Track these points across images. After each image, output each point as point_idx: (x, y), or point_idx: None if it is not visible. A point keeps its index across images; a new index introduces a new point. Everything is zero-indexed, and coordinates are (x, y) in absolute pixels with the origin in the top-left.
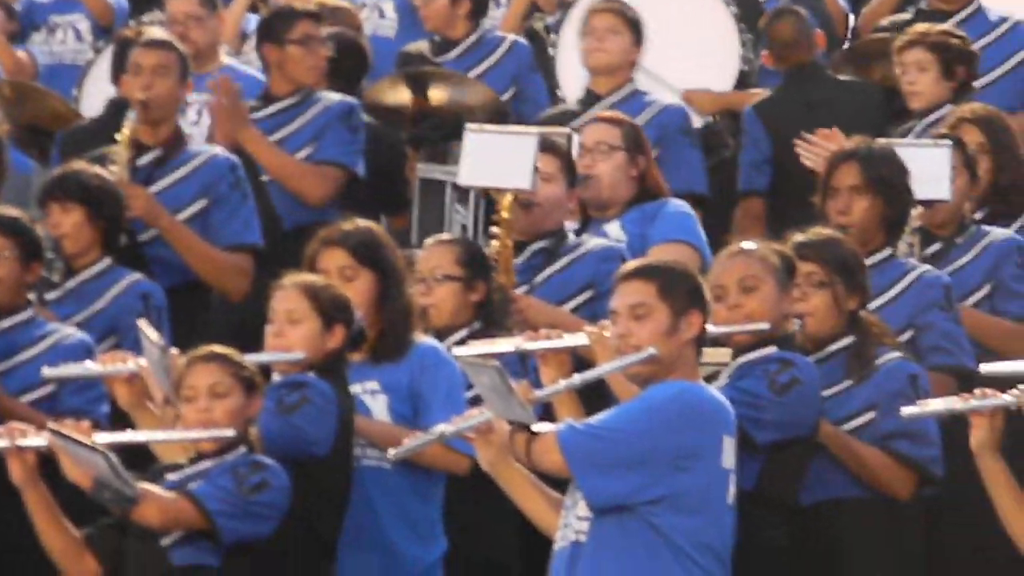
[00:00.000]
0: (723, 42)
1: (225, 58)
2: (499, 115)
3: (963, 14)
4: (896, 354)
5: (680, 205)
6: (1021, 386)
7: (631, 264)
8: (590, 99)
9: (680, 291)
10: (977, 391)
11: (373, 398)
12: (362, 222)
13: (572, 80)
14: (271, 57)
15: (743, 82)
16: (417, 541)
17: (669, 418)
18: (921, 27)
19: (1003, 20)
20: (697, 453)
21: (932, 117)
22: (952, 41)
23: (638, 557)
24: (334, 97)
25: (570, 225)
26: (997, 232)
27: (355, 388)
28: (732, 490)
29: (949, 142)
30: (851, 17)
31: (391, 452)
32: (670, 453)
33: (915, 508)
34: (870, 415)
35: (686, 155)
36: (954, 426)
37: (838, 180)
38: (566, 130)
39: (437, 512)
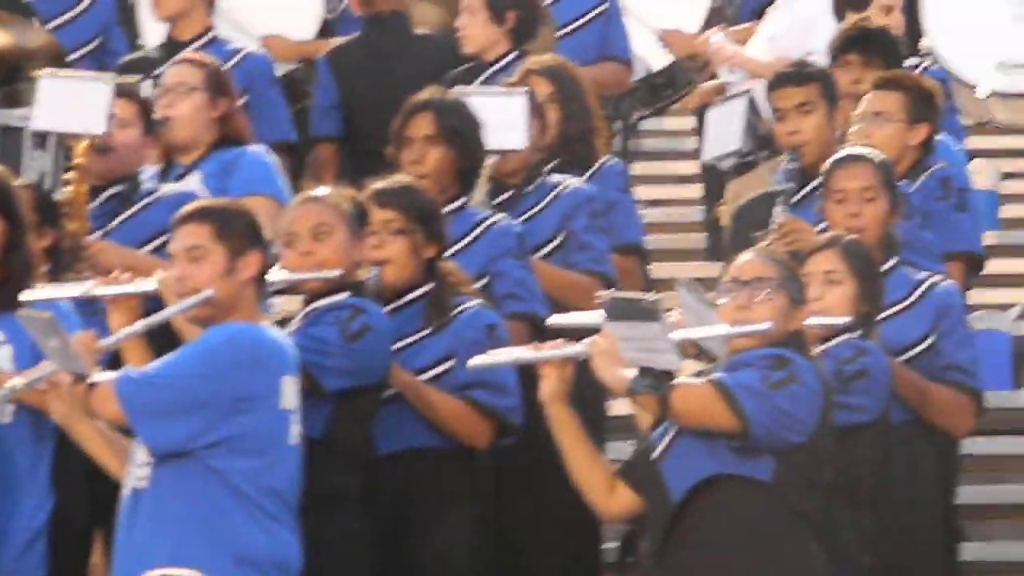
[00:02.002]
0: None
1: None
2: (59, 60)
3: None
4: (474, 303)
5: (258, 154)
6: (593, 337)
7: (187, 207)
8: (171, 46)
9: (236, 232)
10: (548, 342)
11: None
12: None
13: (153, 27)
14: None
15: (327, 30)
16: (28, 502)
17: (224, 361)
18: None
19: None
20: (254, 395)
21: (499, 65)
22: None
23: (198, 501)
24: None
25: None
26: (568, 182)
27: None
28: (295, 431)
29: (524, 91)
30: None
31: None
32: (226, 396)
33: (490, 458)
34: (448, 364)
35: (273, 103)
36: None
37: (412, 130)
38: (138, 77)
39: (47, 472)
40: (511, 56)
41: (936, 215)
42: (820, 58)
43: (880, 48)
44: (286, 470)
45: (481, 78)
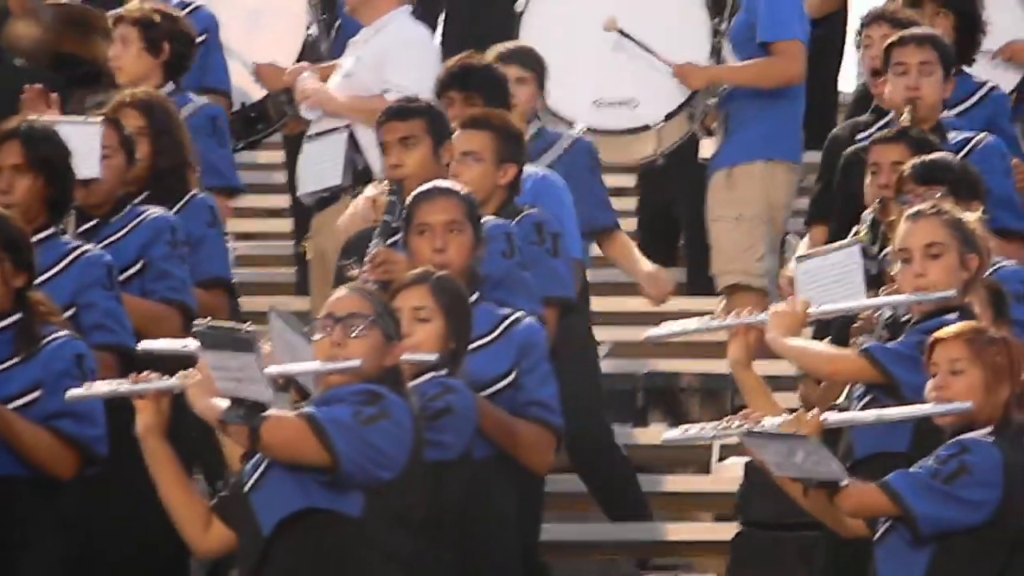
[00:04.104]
0: None
1: None
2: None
3: None
4: (63, 333)
5: None
6: (191, 370)
7: None
8: None
9: None
10: (143, 374)
11: None
12: None
13: None
14: None
15: None
16: None
17: None
18: (133, 4)
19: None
20: None
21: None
22: (156, 17)
23: None
24: None
25: None
26: (153, 210)
27: None
28: None
29: (99, 119)
30: None
31: None
32: None
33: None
34: (35, 393)
35: None
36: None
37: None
38: None
39: None
40: (167, 88)
41: (530, 259)
42: (395, 94)
43: (481, 85)
44: None
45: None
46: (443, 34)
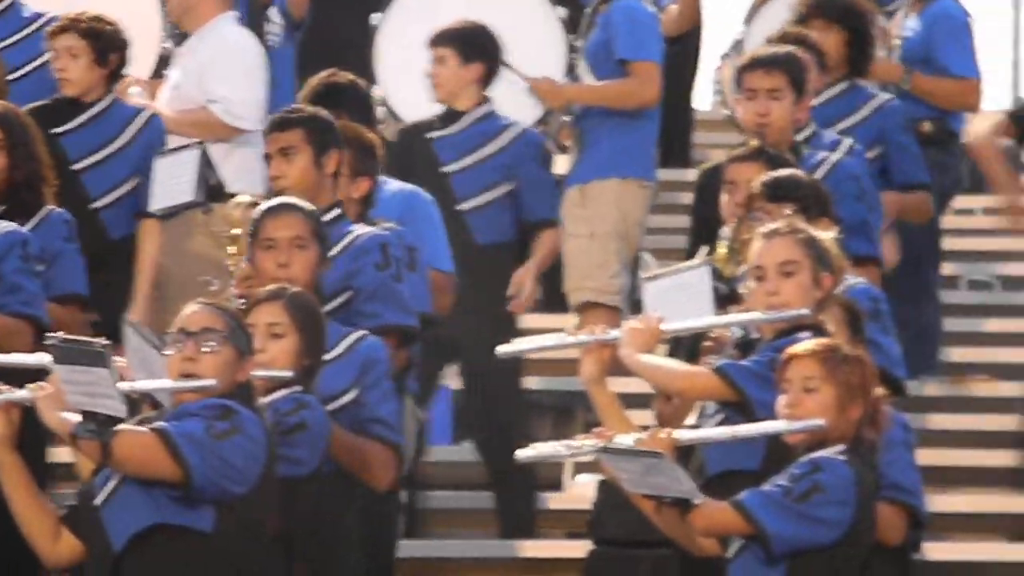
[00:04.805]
0: None
1: None
2: None
3: None
4: None
5: None
6: (41, 383)
7: None
8: None
9: None
10: None
11: None
12: None
13: None
14: None
15: None
16: None
17: None
18: (72, 13)
19: (38, 16)
20: None
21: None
22: (105, 28)
23: None
24: None
25: None
26: (4, 224)
27: None
28: None
29: None
30: None
31: None
32: None
33: None
34: None
35: None
36: None
37: None
38: None
39: None
40: (109, 99)
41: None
42: (219, 106)
43: (348, 103)
44: None
45: (80, 119)
46: (299, 47)
